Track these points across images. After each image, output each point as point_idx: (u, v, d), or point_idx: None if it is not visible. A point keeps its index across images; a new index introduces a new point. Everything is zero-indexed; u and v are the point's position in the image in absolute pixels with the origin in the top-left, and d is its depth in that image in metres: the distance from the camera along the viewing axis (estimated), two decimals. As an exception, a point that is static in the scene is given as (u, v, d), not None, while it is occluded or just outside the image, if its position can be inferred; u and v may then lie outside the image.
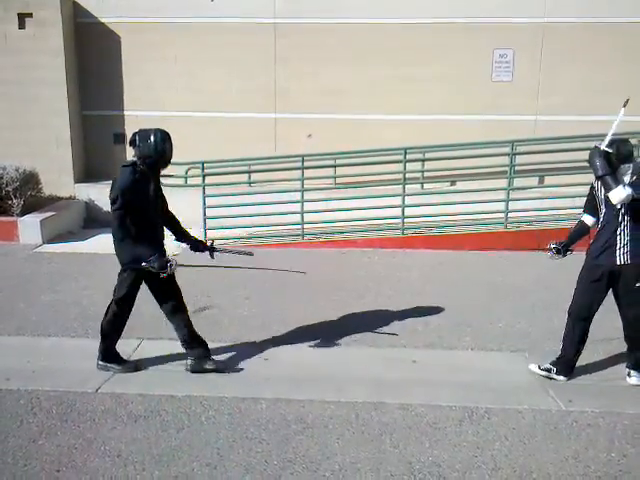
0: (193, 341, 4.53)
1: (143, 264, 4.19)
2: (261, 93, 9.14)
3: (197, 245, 4.67)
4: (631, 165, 4.09)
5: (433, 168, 8.57)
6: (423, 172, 8.63)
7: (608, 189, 4.02)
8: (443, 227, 8.04)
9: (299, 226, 8.08)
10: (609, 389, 4.33)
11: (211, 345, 5.01)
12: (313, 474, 3.41)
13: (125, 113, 9.39)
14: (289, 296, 6.15)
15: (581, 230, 4.48)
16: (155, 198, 4.33)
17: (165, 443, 3.68)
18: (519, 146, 8.11)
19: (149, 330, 5.25)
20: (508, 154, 7.90)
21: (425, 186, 8.81)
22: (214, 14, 8.97)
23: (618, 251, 4.14)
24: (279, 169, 8.33)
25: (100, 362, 4.54)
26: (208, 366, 4.50)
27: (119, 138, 9.43)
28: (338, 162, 8.62)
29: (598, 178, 4.14)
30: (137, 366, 4.60)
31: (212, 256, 4.70)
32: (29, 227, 8.02)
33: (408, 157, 8.07)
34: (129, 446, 3.65)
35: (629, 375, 4.37)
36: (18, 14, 8.71)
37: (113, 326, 4.51)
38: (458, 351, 4.90)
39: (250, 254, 4.89)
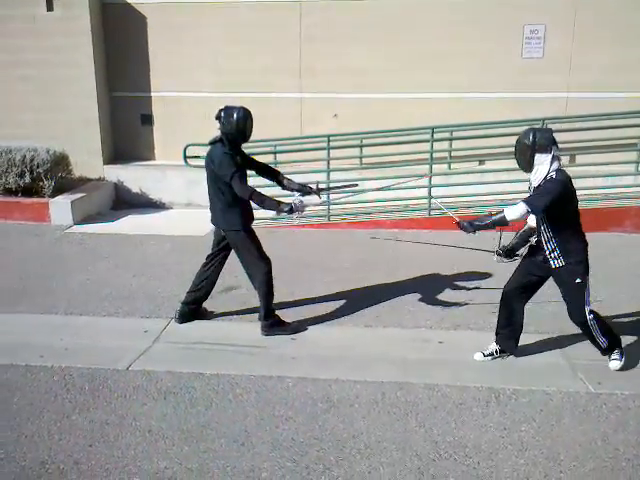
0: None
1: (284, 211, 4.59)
2: (287, 73, 9.07)
3: (305, 189, 4.86)
4: (549, 155, 3.89)
5: (461, 147, 8.44)
6: (451, 151, 8.51)
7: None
8: (473, 207, 7.92)
9: (325, 207, 8.06)
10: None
11: (238, 324, 5.09)
12: (340, 452, 3.45)
13: (152, 94, 9.42)
14: (316, 276, 6.16)
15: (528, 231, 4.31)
16: (244, 166, 4.70)
17: (194, 419, 3.76)
18: (549, 124, 7.92)
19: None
20: (538, 133, 7.73)
21: (452, 166, 8.70)
22: (239, -7, 8.90)
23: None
24: (305, 149, 8.29)
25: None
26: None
27: (146, 119, 9.49)
28: (364, 142, 8.55)
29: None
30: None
31: (320, 196, 4.96)
32: (60, 208, 8.16)
33: (435, 137, 7.96)
34: (159, 422, 3.74)
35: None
36: (46, -4, 8.78)
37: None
38: (485, 332, 4.85)
39: (355, 185, 5.22)
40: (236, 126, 4.51)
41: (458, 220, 4.17)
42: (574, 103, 8.57)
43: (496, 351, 4.46)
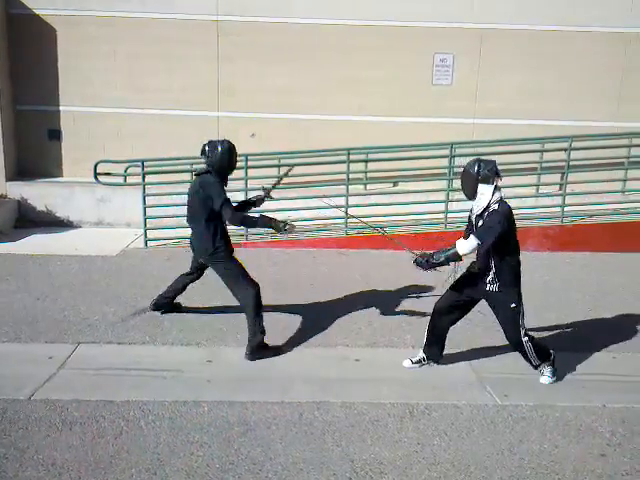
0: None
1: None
2: (204, 91, 9.01)
3: (259, 201, 5.19)
4: (491, 186, 4.07)
5: (376, 169, 8.68)
6: (366, 173, 8.72)
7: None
8: (387, 227, 8.12)
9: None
10: (542, 383, 4.49)
11: (152, 347, 4.93)
12: (256, 476, 3.39)
13: (61, 109, 9.04)
14: (230, 296, 6.07)
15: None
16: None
17: (102, 450, 3.57)
18: (458, 148, 8.32)
19: (86, 334, 5.09)
20: (447, 156, 8.09)
21: (368, 187, 8.92)
22: (155, 9, 8.77)
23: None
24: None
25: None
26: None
27: (54, 134, 9.08)
28: (282, 162, 8.60)
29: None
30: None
31: (271, 197, 5.26)
32: (-44, 227, 7.62)
33: (351, 158, 8.14)
34: (64, 454, 3.52)
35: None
36: (-56, 3, 8.27)
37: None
38: (399, 349, 4.98)
39: (290, 169, 5.43)
40: (220, 158, 4.77)
41: (415, 258, 4.28)
42: (480, 128, 9.08)
43: (423, 359, 4.69)
